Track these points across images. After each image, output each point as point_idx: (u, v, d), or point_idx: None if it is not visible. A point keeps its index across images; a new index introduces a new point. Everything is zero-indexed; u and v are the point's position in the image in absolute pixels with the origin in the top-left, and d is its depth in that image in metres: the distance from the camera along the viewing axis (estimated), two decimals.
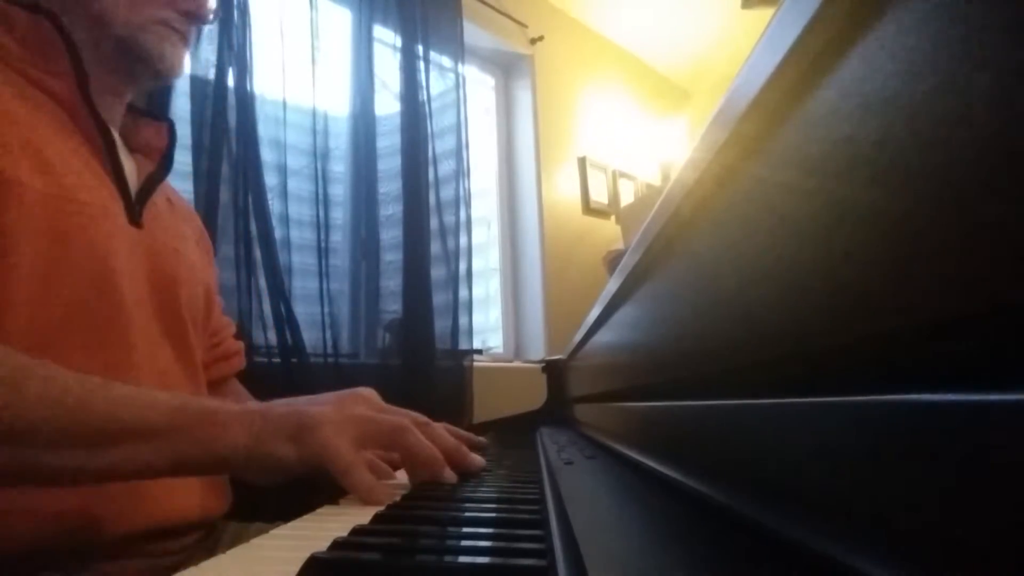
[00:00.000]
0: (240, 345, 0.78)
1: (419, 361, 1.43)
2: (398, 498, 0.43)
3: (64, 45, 0.53)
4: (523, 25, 2.14)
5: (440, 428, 0.53)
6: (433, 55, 1.67)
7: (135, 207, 0.57)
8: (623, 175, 2.48)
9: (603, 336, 0.59)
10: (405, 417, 0.50)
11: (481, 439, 0.70)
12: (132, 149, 0.63)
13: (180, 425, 0.42)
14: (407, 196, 1.51)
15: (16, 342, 0.42)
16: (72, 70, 0.53)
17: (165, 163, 0.64)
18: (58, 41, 0.53)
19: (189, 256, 0.64)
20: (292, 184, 1.34)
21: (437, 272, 1.56)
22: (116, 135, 0.60)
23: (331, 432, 0.45)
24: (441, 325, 1.54)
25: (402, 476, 0.53)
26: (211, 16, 0.64)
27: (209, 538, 0.61)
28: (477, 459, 0.52)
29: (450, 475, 0.48)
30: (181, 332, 0.60)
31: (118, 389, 0.42)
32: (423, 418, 0.52)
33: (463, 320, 1.60)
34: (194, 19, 0.61)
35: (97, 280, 0.50)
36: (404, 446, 0.48)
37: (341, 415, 0.47)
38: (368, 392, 0.53)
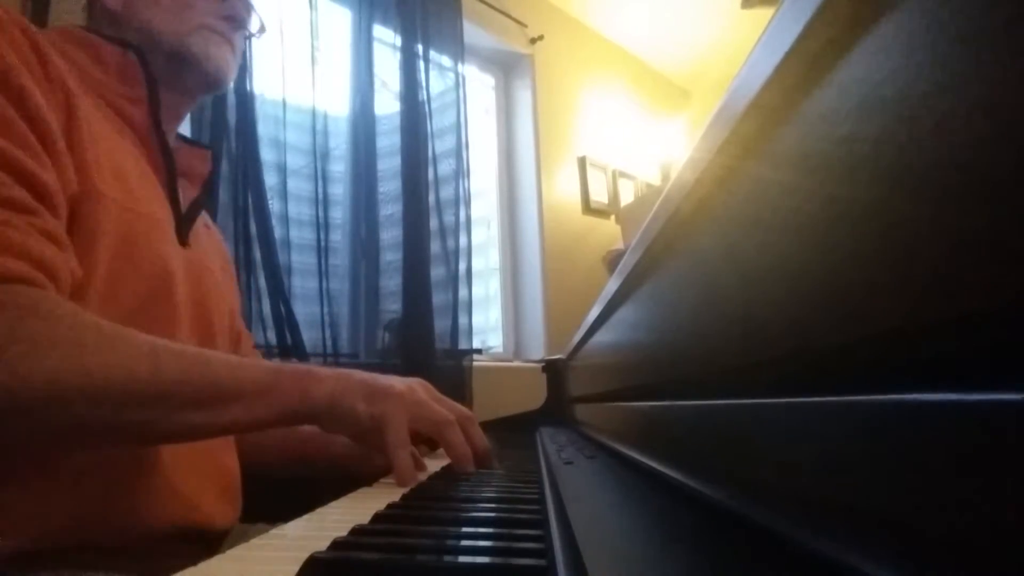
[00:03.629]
0: (258, 357, 0.80)
1: (419, 361, 1.43)
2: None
3: (144, 76, 0.59)
4: (523, 25, 2.14)
5: (478, 429, 0.59)
6: (433, 55, 1.67)
7: (184, 227, 0.62)
8: (623, 175, 2.48)
9: (603, 336, 0.59)
10: (455, 411, 0.57)
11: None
12: (178, 173, 0.67)
13: (283, 381, 0.49)
14: (407, 196, 1.50)
15: None
16: (148, 99, 0.59)
17: (208, 190, 0.69)
18: (140, 72, 0.59)
19: (219, 279, 0.69)
20: (292, 184, 1.34)
21: (437, 272, 1.56)
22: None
23: (398, 404, 0.52)
24: (441, 325, 1.54)
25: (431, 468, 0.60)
26: (254, 24, 0.70)
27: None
28: (497, 464, 0.60)
29: (471, 469, 0.55)
30: (211, 348, 0.64)
31: (229, 357, 0.49)
32: (468, 413, 0.59)
33: (463, 320, 1.60)
34: (235, 23, 0.67)
35: (155, 290, 0.54)
36: (445, 439, 0.55)
37: (408, 392, 0.54)
38: (427, 384, 0.59)
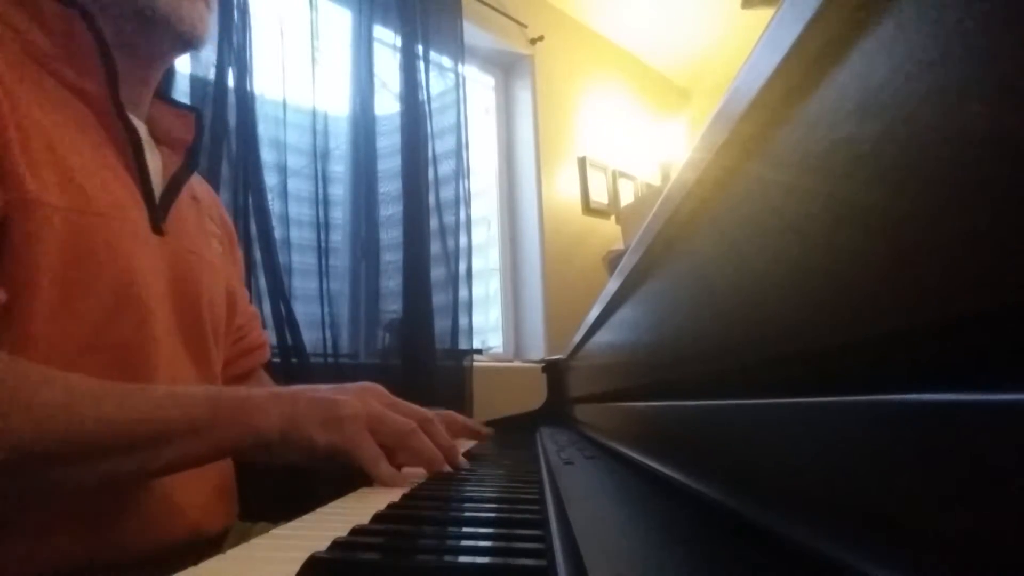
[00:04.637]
0: (265, 337, 0.76)
1: (419, 361, 1.43)
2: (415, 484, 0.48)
3: (95, 42, 0.51)
4: (523, 25, 2.14)
5: (440, 426, 0.56)
6: (433, 55, 1.67)
7: (159, 213, 0.55)
8: (623, 175, 2.48)
9: (603, 336, 0.59)
10: (412, 414, 0.54)
11: (486, 430, 0.74)
12: (158, 140, 0.61)
13: (221, 415, 0.45)
14: (407, 196, 1.51)
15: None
16: (102, 68, 0.51)
17: (191, 159, 0.61)
18: (89, 38, 0.51)
19: (211, 259, 0.63)
20: (292, 184, 1.34)
21: (437, 272, 1.56)
22: (143, 129, 0.58)
23: (358, 425, 0.49)
24: (441, 325, 1.54)
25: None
26: None
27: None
28: (464, 462, 0.57)
29: (447, 467, 0.54)
30: (202, 345, 0.59)
31: (157, 392, 0.44)
32: (428, 413, 0.56)
33: (463, 320, 1.60)
34: None
35: (120, 299, 0.49)
36: (411, 448, 0.52)
37: (364, 408, 0.50)
38: (379, 387, 0.56)
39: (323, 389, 0.51)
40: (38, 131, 0.45)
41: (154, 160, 0.58)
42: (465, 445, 0.79)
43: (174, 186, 0.58)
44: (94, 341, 0.47)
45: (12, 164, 0.42)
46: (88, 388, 0.41)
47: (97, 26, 0.51)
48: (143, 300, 0.51)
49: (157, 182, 0.57)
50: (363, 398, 0.51)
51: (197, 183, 0.68)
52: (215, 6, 0.61)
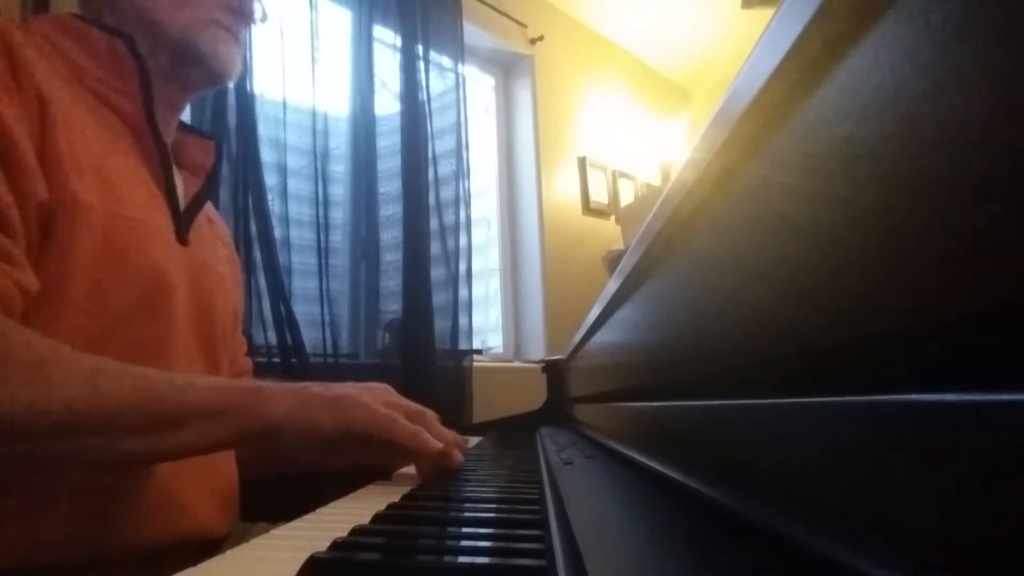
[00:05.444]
0: (249, 364, 0.78)
1: (419, 361, 1.43)
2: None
3: (136, 66, 0.56)
4: (523, 25, 2.14)
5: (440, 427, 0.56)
6: (433, 55, 1.67)
7: (183, 225, 0.59)
8: (623, 175, 2.48)
9: (603, 336, 0.59)
10: (417, 414, 0.55)
11: (463, 441, 0.74)
12: (179, 165, 0.65)
13: (235, 402, 0.46)
14: (407, 196, 1.50)
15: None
16: (140, 89, 0.56)
17: (211, 183, 0.66)
18: (131, 62, 0.56)
19: (223, 275, 0.66)
20: (292, 184, 1.34)
21: (437, 272, 1.56)
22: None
23: (365, 400, 0.50)
24: (441, 325, 1.54)
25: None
26: (258, 16, 0.67)
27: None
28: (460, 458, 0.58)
29: (459, 459, 0.55)
30: (213, 351, 0.62)
31: (177, 377, 0.46)
32: (431, 413, 0.57)
33: (463, 320, 1.60)
34: (241, 17, 0.63)
35: (145, 298, 0.52)
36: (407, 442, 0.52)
37: (373, 398, 0.51)
38: (387, 386, 0.57)
39: (334, 386, 0.53)
40: (82, 140, 0.50)
41: (178, 181, 0.62)
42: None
43: (196, 204, 0.62)
44: (117, 336, 0.49)
45: (61, 167, 0.47)
46: (112, 367, 0.43)
47: (139, 51, 0.56)
48: (166, 301, 0.54)
49: (181, 200, 0.61)
50: (372, 391, 0.53)
51: (215, 216, 0.74)
52: (243, 44, 0.65)
